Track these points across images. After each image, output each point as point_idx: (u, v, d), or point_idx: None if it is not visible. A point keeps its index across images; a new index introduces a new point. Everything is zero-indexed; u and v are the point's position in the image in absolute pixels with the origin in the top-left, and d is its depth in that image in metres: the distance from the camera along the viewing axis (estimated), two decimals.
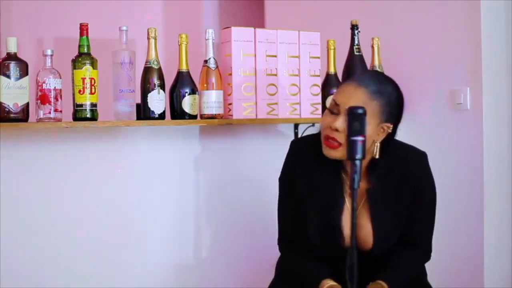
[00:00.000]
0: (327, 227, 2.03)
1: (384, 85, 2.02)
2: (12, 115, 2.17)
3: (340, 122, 1.95)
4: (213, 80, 2.50)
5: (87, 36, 2.28)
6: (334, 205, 2.04)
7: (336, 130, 1.97)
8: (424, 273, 2.18)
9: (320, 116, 2.72)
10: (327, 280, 1.98)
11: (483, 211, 2.77)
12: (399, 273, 2.03)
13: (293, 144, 2.20)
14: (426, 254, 2.13)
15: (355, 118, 1.68)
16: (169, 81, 2.46)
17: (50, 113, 2.22)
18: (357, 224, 2.02)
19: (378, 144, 2.01)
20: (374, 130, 1.98)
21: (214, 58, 2.51)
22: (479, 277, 2.78)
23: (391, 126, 2.02)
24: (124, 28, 2.39)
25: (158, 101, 2.39)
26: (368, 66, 2.87)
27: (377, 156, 2.01)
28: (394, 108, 2.01)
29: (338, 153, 1.99)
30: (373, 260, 2.02)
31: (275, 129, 2.80)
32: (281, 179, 2.17)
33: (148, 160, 2.54)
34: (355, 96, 1.96)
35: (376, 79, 2.03)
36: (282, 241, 2.17)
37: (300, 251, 2.09)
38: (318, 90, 2.75)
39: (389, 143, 2.07)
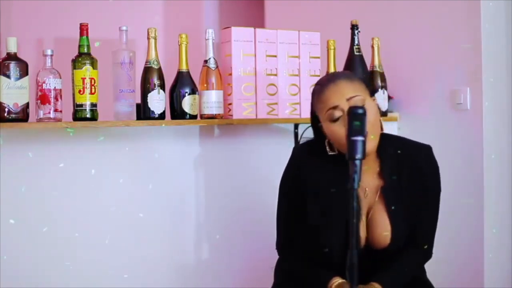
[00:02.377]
0: (346, 235, 2.02)
1: (345, 71, 2.24)
2: (12, 115, 2.16)
3: None
4: (213, 80, 2.50)
5: (87, 36, 2.28)
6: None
7: None
8: (423, 271, 2.18)
9: None
10: (336, 278, 1.98)
11: (483, 211, 2.77)
12: (396, 274, 2.01)
13: (297, 150, 2.18)
14: (427, 252, 2.11)
15: (355, 118, 1.68)
16: (169, 81, 2.46)
17: (50, 113, 2.22)
18: (374, 222, 2.03)
19: (381, 119, 2.05)
20: (375, 106, 2.02)
21: (214, 58, 2.51)
22: (479, 277, 2.78)
23: (375, 98, 2.08)
24: (124, 28, 2.39)
25: (158, 101, 2.39)
26: (368, 66, 2.87)
27: (384, 130, 2.05)
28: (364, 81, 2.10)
29: (372, 143, 1.97)
30: (387, 258, 2.02)
31: (275, 129, 2.80)
32: (284, 186, 2.15)
33: (148, 160, 2.54)
34: (342, 86, 1.99)
35: (335, 72, 2.35)
36: (283, 246, 2.16)
37: (302, 254, 2.09)
38: None
39: (398, 138, 2.11)
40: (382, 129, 2.04)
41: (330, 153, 2.05)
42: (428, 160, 2.09)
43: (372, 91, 2.85)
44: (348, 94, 1.97)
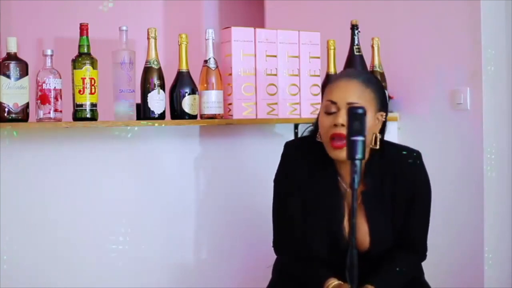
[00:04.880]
0: (330, 236, 2.02)
1: (370, 74, 2.13)
2: (12, 115, 2.17)
3: (343, 117, 1.94)
4: (213, 80, 2.50)
5: (87, 36, 2.28)
6: (335, 212, 2.02)
7: (342, 125, 1.94)
8: (420, 272, 2.18)
9: None
10: (332, 279, 1.98)
11: (483, 211, 2.77)
12: (390, 277, 2.01)
13: (287, 147, 2.18)
14: (421, 255, 2.12)
15: (356, 118, 1.67)
16: (169, 81, 2.46)
17: (50, 113, 2.23)
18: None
19: (378, 135, 2.02)
20: (373, 121, 1.99)
21: (214, 58, 2.51)
22: (479, 277, 2.78)
23: (384, 115, 2.04)
24: (124, 28, 2.39)
25: (158, 101, 2.39)
26: (368, 66, 2.87)
27: (377, 147, 2.02)
28: (384, 95, 2.06)
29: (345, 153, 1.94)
30: (370, 261, 2.02)
31: (275, 129, 2.80)
32: (276, 181, 2.16)
33: (148, 160, 2.54)
34: (350, 88, 1.98)
35: (361, 71, 2.18)
36: (279, 244, 2.16)
37: (298, 253, 2.09)
38: (318, 90, 2.75)
39: (384, 143, 2.08)
40: (376, 144, 2.01)
41: (318, 139, 2.04)
42: (413, 167, 2.07)
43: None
44: (351, 98, 1.96)
